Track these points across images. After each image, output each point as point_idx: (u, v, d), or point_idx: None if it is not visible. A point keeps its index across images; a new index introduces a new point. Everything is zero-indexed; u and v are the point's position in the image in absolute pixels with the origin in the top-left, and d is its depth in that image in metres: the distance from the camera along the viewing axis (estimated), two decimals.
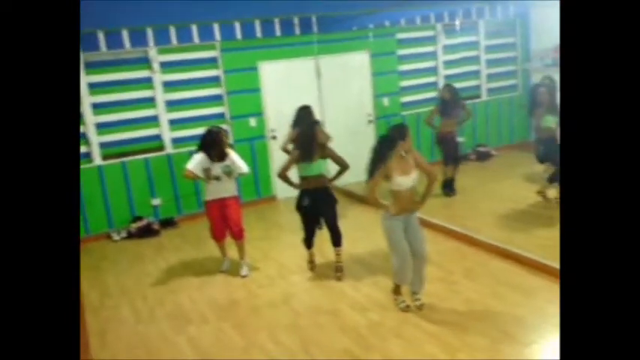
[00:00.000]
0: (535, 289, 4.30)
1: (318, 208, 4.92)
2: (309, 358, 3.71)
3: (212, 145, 4.94)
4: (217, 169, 4.97)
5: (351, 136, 7.94)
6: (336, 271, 4.97)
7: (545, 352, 3.51)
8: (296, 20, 7.42)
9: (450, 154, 6.96)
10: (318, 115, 7.78)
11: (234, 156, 5.03)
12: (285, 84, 7.48)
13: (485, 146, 8.89)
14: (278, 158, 7.53)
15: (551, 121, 5.83)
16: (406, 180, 3.98)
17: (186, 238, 6.49)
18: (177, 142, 7.00)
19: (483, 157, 8.71)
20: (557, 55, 8.58)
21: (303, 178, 4.89)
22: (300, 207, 4.94)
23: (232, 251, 5.36)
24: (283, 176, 4.78)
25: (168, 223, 6.93)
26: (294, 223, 6.35)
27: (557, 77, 7.20)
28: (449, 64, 8.59)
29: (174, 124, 6.96)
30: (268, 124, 7.46)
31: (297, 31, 7.47)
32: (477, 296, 4.27)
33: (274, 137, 7.46)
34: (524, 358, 3.43)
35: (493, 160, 8.62)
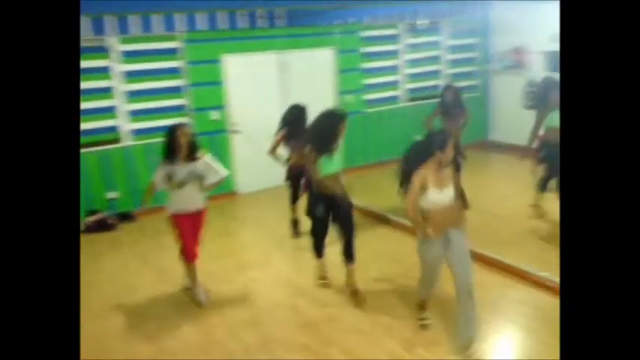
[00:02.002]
0: (492, 285, 4.41)
1: (333, 215, 4.34)
2: (269, 355, 3.71)
3: (170, 144, 4.21)
4: (181, 173, 4.20)
5: None
6: (353, 295, 4.35)
7: (503, 346, 3.61)
8: (261, 13, 7.35)
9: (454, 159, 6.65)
10: (281, 110, 7.77)
11: (207, 159, 4.35)
12: (249, 77, 7.41)
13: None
14: (240, 152, 7.48)
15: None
16: (441, 196, 3.39)
17: (145, 232, 6.35)
18: (136, 134, 6.84)
19: None
20: (517, 57, 8.83)
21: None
22: (311, 213, 4.42)
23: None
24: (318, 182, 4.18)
25: (125, 217, 6.76)
26: (254, 218, 6.32)
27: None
28: (411, 63, 8.70)
29: (134, 115, 6.80)
30: (231, 118, 7.37)
31: (263, 24, 7.41)
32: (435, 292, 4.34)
33: (236, 131, 7.38)
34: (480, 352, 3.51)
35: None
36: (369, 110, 8.40)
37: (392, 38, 8.50)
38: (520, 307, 4.08)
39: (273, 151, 5.65)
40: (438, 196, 3.36)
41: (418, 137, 8.92)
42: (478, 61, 9.36)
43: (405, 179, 3.48)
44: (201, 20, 7.00)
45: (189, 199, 4.25)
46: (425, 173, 3.36)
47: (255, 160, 7.56)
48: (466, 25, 9.09)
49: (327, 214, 4.31)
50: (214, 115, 7.25)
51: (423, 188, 3.34)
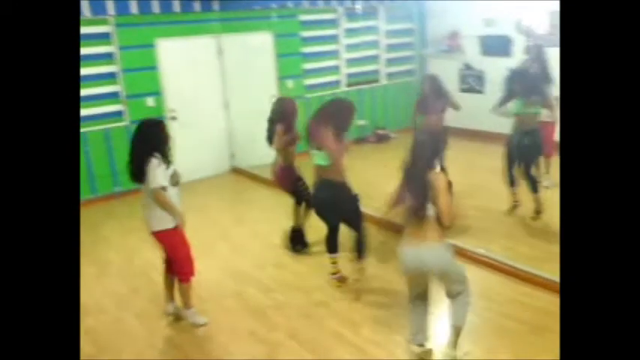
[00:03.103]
0: None
1: (337, 207, 4.16)
2: (216, 344, 3.70)
3: (161, 138, 3.61)
4: (172, 173, 3.68)
5: (255, 118, 7.88)
6: (354, 291, 4.22)
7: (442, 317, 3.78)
8: None
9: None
10: (220, 95, 7.67)
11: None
12: (186, 62, 7.25)
13: (384, 129, 9.24)
14: (178, 140, 7.29)
15: (522, 107, 5.16)
16: None
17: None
18: None
19: (382, 139, 9.05)
20: (452, 43, 9.09)
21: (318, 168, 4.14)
22: (315, 205, 4.31)
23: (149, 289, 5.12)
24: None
25: None
26: (196, 207, 6.23)
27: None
28: (350, 47, 8.77)
29: None
30: (167, 104, 7.19)
31: (198, 7, 7.24)
32: (380, 272, 4.46)
33: (174, 118, 7.22)
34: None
35: (391, 142, 8.98)
36: (310, 95, 8.43)
37: (331, 23, 8.53)
38: None
39: (284, 144, 4.84)
40: None
41: (361, 122, 9.10)
42: (414, 46, 9.57)
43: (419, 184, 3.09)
44: (133, 3, 6.76)
45: (178, 204, 3.71)
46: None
47: (195, 148, 7.44)
48: (402, 9, 9.25)
49: (331, 206, 4.15)
50: (150, 101, 7.05)
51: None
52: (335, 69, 8.70)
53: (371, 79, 9.16)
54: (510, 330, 3.60)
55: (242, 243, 5.38)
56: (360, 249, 4.26)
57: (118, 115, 6.82)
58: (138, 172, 3.59)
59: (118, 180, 6.87)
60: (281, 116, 4.87)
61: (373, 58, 9.15)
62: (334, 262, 4.36)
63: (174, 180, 3.71)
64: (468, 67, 8.96)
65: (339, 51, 8.68)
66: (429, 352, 3.33)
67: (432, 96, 5.81)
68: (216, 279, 4.63)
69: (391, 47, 9.28)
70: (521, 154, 5.27)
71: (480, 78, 8.80)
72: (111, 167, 6.86)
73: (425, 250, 3.08)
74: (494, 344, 3.46)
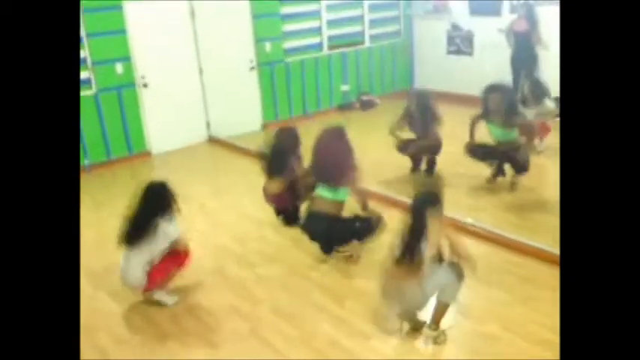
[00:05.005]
0: None
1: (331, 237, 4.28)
2: (196, 321, 3.75)
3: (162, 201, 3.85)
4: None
5: (232, 84, 7.82)
6: (346, 259, 4.34)
7: None
8: None
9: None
10: (193, 60, 7.56)
11: None
12: (156, 25, 7.09)
13: (369, 95, 9.21)
14: (150, 109, 7.22)
15: (502, 134, 5.27)
16: None
17: None
18: None
19: (367, 105, 9.02)
20: (439, 2, 9.03)
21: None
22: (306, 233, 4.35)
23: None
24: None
25: None
26: (170, 178, 6.19)
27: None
28: (332, 8, 8.66)
29: None
30: (137, 70, 7.07)
31: None
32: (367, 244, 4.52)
33: (145, 85, 7.11)
34: None
35: (377, 109, 8.95)
36: (290, 59, 8.34)
37: None
38: None
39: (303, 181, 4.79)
40: None
41: (344, 87, 9.07)
42: (399, 6, 9.47)
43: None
44: None
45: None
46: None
47: (168, 117, 7.37)
48: None
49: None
50: (119, 68, 6.92)
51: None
52: (316, 31, 8.60)
53: (354, 41, 9.08)
54: (498, 300, 3.69)
55: (220, 216, 5.39)
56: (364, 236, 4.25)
57: (84, 83, 6.68)
58: (135, 234, 3.74)
59: (87, 153, 6.79)
60: (291, 148, 4.85)
61: (356, 19, 9.05)
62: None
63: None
64: (455, 27, 8.93)
65: (320, 11, 8.57)
66: (421, 323, 3.39)
67: (419, 113, 5.67)
68: (195, 254, 4.62)
69: (375, 7, 9.18)
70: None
71: (468, 39, 8.79)
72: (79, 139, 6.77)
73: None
74: (482, 315, 3.55)
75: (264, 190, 5.03)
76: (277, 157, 4.86)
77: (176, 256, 3.89)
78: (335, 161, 4.13)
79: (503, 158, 5.40)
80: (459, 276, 3.24)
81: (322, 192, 4.18)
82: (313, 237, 4.32)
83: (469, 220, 4.67)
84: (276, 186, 4.89)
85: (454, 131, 5.92)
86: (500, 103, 5.20)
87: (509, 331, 3.35)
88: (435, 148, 5.80)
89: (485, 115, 5.38)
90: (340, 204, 4.19)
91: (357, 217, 4.21)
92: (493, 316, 3.51)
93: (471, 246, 4.40)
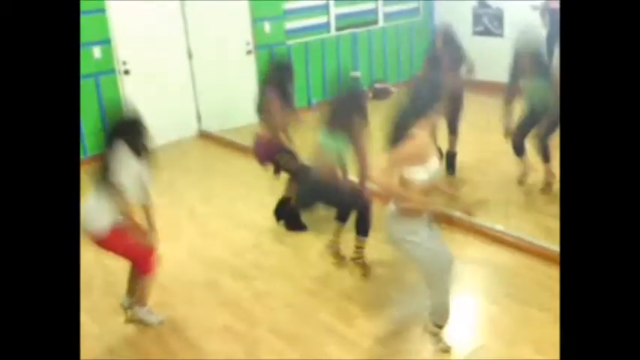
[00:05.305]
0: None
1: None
2: (183, 342, 3.77)
3: (135, 131, 3.74)
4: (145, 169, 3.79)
5: (226, 70, 7.84)
6: (359, 266, 4.39)
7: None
8: None
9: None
10: (182, 43, 7.59)
11: None
12: (139, 3, 7.12)
13: (383, 82, 9.21)
14: (133, 98, 7.23)
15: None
16: (435, 164, 3.20)
17: None
18: None
19: (381, 95, 9.01)
20: None
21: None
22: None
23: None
24: None
25: None
26: (158, 180, 6.22)
27: None
28: None
29: None
30: (118, 55, 7.11)
31: None
32: (377, 255, 4.53)
33: (127, 72, 7.15)
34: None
35: (393, 98, 8.94)
36: (292, 42, 8.35)
37: None
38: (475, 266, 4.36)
39: (279, 121, 5.01)
40: (435, 166, 3.18)
41: (355, 74, 9.05)
42: None
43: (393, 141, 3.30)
44: None
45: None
46: (425, 139, 3.14)
47: (154, 108, 7.37)
48: None
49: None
50: (97, 52, 6.96)
51: (421, 156, 3.07)
52: (322, 9, 8.61)
53: (366, 20, 9.08)
54: (533, 319, 3.69)
55: (213, 223, 5.42)
56: (363, 228, 4.30)
57: None
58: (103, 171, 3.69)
59: None
60: (276, 80, 4.95)
61: None
62: (359, 247, 4.38)
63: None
64: (482, 4, 8.92)
65: None
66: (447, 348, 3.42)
67: (447, 51, 5.73)
68: (184, 266, 4.67)
69: None
70: (539, 119, 5.29)
71: (497, 18, 8.78)
72: None
73: (389, 215, 3.24)
74: (515, 336, 3.56)
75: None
76: (260, 89, 5.11)
77: (140, 253, 3.81)
78: (344, 111, 4.23)
79: (550, 125, 5.25)
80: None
81: (323, 138, 4.27)
82: (300, 191, 4.63)
83: (498, 227, 4.67)
84: (262, 131, 5.04)
85: (481, 124, 5.91)
86: (532, 60, 5.18)
87: (543, 355, 3.35)
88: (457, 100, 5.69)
89: (517, 77, 5.30)
90: (338, 157, 4.30)
91: (350, 187, 4.39)
92: (526, 338, 3.52)
93: (501, 256, 4.42)
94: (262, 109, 5.00)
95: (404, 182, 3.09)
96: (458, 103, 5.77)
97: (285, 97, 4.97)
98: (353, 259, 4.40)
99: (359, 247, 4.36)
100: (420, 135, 3.09)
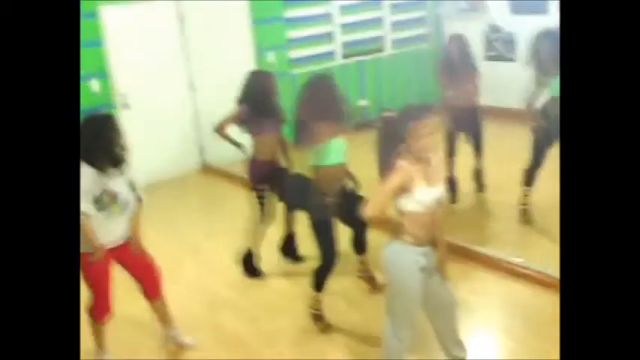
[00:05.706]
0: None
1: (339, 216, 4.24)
2: None
3: (101, 142, 3.63)
4: (118, 184, 3.63)
5: (228, 102, 7.82)
6: (368, 281, 4.53)
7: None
8: None
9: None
10: (183, 75, 7.63)
11: None
12: (138, 35, 7.18)
13: (392, 111, 9.15)
14: (131, 133, 7.22)
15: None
16: (429, 195, 3.10)
17: None
18: None
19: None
20: (473, 0, 9.06)
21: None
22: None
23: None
24: None
25: None
26: (157, 216, 6.17)
27: None
28: (346, 9, 8.73)
29: None
30: (117, 88, 7.14)
31: None
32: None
33: (126, 105, 7.16)
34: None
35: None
36: (296, 71, 8.37)
37: None
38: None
39: (221, 129, 5.18)
40: (427, 194, 3.09)
41: (362, 103, 9.07)
42: (427, 5, 9.53)
43: (382, 170, 3.24)
44: None
45: (116, 224, 3.65)
46: (409, 168, 3.07)
47: (155, 142, 7.38)
48: None
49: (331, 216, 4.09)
50: (94, 85, 7.00)
51: (405, 188, 3.04)
52: (328, 37, 8.66)
53: (373, 48, 9.12)
54: (550, 356, 3.56)
55: (216, 260, 5.38)
56: (360, 245, 4.45)
57: None
58: None
59: None
60: (249, 95, 4.94)
61: (376, 22, 9.11)
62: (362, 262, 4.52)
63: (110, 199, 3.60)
64: (494, 29, 8.93)
65: (332, 14, 8.63)
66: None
67: (461, 60, 5.68)
68: (184, 305, 4.56)
69: (398, 7, 9.24)
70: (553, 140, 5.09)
71: (510, 42, 8.77)
72: None
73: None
74: None
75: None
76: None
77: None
78: (307, 117, 4.06)
79: None
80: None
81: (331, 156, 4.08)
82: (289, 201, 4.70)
83: (519, 260, 4.58)
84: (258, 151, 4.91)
85: (497, 152, 5.85)
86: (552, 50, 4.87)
87: None
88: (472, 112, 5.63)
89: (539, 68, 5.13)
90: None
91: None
92: None
93: (522, 291, 4.30)
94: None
95: (400, 213, 3.14)
96: (474, 115, 5.73)
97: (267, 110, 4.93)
98: (359, 276, 4.55)
99: (362, 263, 4.51)
100: (399, 167, 3.08)
